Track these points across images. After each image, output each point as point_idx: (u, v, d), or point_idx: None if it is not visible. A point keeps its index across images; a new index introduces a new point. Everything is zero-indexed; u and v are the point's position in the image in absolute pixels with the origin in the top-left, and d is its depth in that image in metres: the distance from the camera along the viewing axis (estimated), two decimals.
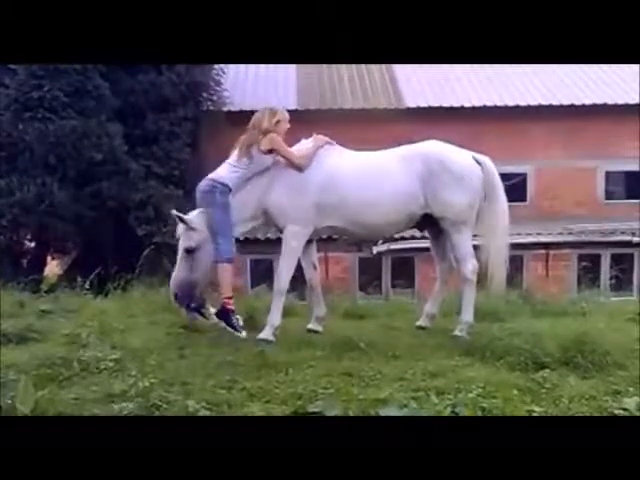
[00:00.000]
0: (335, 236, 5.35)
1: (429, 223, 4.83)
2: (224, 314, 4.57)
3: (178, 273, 4.56)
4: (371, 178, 4.63)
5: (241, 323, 4.62)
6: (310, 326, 4.88)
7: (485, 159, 4.80)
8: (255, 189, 4.63)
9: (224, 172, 4.60)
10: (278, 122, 4.66)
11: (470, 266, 4.64)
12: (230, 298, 4.57)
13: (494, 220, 4.77)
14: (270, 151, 4.58)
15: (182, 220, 4.53)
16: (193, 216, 4.61)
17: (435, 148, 4.79)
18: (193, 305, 4.67)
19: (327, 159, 4.67)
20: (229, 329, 4.55)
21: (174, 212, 4.62)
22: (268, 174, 4.65)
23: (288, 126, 4.74)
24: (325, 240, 4.93)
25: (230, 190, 4.54)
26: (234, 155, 4.65)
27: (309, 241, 4.77)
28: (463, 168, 4.67)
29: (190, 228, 4.52)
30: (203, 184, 4.61)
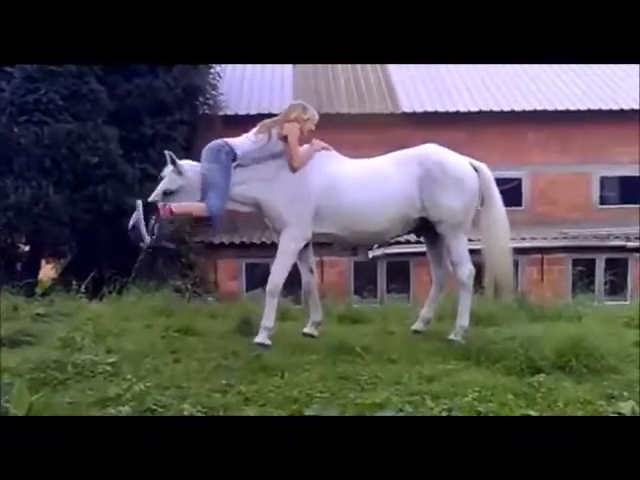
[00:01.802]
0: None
1: (425, 228, 4.83)
2: (149, 214, 4.41)
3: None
4: (369, 183, 4.64)
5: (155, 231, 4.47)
6: (306, 330, 4.86)
7: (481, 165, 4.81)
8: (256, 175, 4.61)
9: (238, 141, 4.63)
10: (307, 119, 4.71)
11: (466, 270, 4.65)
12: (172, 212, 4.39)
13: (493, 226, 4.78)
14: (285, 138, 4.61)
15: (173, 161, 4.52)
16: (186, 163, 4.61)
17: (433, 150, 4.81)
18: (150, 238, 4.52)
19: (327, 165, 4.69)
20: (138, 228, 4.43)
21: (168, 152, 4.59)
22: (274, 166, 4.63)
23: (313, 128, 4.77)
24: (320, 244, 4.91)
25: (235, 159, 4.54)
26: (253, 131, 4.70)
27: (306, 245, 4.76)
28: (460, 171, 4.69)
29: (177, 172, 4.50)
30: (213, 142, 4.63)
